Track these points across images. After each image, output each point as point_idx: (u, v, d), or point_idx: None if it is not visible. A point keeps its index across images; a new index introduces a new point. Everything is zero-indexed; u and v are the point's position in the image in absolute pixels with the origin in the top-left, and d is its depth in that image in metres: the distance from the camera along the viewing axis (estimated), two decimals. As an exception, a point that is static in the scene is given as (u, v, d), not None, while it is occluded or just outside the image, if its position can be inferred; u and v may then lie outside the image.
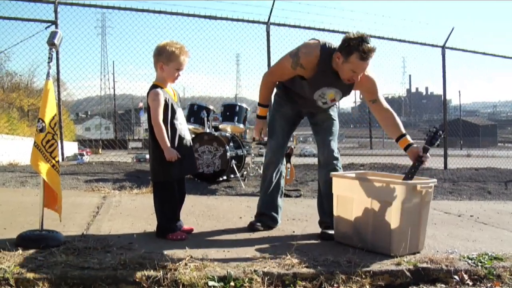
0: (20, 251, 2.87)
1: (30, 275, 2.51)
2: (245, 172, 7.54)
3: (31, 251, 2.91)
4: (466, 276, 3.15)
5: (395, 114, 3.75)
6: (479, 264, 3.28)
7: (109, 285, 2.55)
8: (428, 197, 3.44)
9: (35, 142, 3.14)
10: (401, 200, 3.25)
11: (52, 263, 2.69)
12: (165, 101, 3.49)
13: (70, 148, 27.42)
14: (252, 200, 5.55)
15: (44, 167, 3.14)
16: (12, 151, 11.40)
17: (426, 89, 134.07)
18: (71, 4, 8.63)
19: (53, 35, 3.33)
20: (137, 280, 2.60)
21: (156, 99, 3.46)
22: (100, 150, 31.81)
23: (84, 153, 28.45)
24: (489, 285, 3.12)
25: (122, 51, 9.70)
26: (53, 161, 3.19)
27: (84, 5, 8.68)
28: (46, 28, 8.17)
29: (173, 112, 3.55)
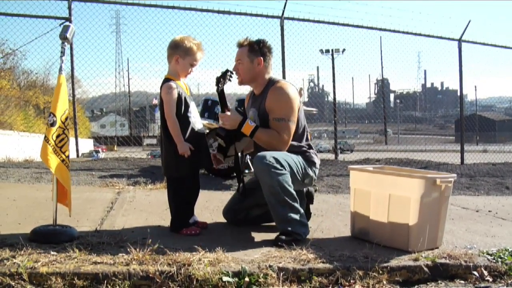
0: (33, 246, 2.86)
1: (43, 270, 2.49)
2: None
3: (45, 246, 2.89)
4: (485, 272, 3.08)
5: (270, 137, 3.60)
6: (499, 260, 3.21)
7: (122, 280, 2.53)
8: (447, 192, 3.36)
9: (45, 137, 3.12)
10: (420, 194, 3.19)
11: (65, 258, 2.67)
12: (179, 94, 3.46)
13: (86, 145, 27.64)
14: (267, 196, 5.50)
15: (53, 162, 3.11)
16: (28, 148, 11.48)
17: (442, 84, 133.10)
18: (85, 0, 8.66)
19: (65, 29, 3.32)
20: (150, 275, 2.57)
21: (169, 93, 3.43)
22: (115, 147, 32.06)
23: (100, 150, 28.63)
24: (509, 281, 3.04)
25: (136, 46, 9.83)
26: (63, 156, 3.16)
27: (97, 1, 8.71)
28: (60, 25, 8.20)
29: (186, 105, 3.51)
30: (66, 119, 3.21)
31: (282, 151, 3.58)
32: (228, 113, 3.60)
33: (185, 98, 3.51)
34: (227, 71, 3.61)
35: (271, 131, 3.60)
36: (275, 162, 3.36)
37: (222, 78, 3.60)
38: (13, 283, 2.43)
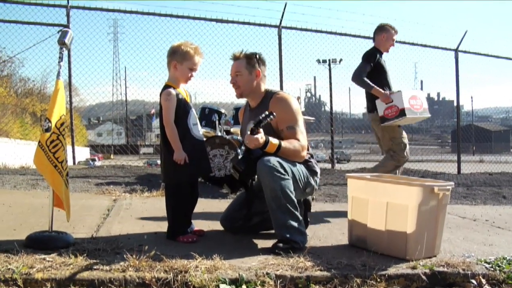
0: (28, 252, 2.83)
1: (38, 276, 2.47)
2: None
3: (40, 252, 2.87)
4: (484, 281, 3.06)
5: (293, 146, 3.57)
6: (497, 268, 3.19)
7: (118, 287, 2.50)
8: (445, 200, 3.36)
9: (39, 142, 3.11)
10: (418, 202, 3.18)
11: (60, 264, 2.65)
12: (178, 101, 3.45)
13: (82, 153, 27.53)
14: (264, 204, 5.48)
15: (46, 168, 3.09)
16: (25, 155, 11.44)
17: (438, 94, 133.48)
18: (83, 8, 8.69)
19: (63, 34, 3.33)
20: (146, 282, 2.55)
21: (168, 99, 3.42)
22: (112, 155, 31.96)
23: (96, 158, 28.53)
24: (508, 290, 3.03)
25: (133, 54, 9.76)
26: (56, 162, 3.12)
27: (96, 9, 8.72)
28: (58, 32, 8.20)
29: (186, 112, 3.50)
30: (61, 125, 3.18)
31: (303, 157, 3.65)
32: (259, 135, 3.41)
33: (184, 105, 3.50)
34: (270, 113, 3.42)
35: (291, 140, 3.58)
36: (279, 167, 3.36)
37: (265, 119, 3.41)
38: (7, 289, 2.41)
